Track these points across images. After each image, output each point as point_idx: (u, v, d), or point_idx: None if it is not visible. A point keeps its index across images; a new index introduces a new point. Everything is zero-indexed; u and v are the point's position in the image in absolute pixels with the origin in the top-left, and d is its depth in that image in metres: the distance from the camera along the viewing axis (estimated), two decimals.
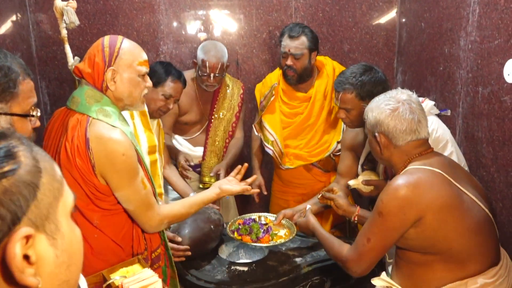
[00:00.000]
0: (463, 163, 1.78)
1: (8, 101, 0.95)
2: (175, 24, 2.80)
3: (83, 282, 0.99)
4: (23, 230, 0.45)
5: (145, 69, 1.45)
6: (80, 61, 1.66)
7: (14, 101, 0.96)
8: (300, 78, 2.35)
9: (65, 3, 1.70)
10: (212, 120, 2.52)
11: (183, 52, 2.84)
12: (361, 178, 1.86)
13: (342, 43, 2.89)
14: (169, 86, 2.03)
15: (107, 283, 1.23)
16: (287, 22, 2.77)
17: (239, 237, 1.85)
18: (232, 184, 1.70)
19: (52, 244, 0.50)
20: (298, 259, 1.88)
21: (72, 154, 1.32)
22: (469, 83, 2.07)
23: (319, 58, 2.43)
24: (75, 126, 1.34)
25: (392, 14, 2.86)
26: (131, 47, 1.44)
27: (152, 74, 1.99)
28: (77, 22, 1.71)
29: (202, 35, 2.84)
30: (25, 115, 0.99)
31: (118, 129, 1.35)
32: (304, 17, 2.82)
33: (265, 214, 2.10)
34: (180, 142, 2.56)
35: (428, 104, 1.83)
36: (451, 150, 1.77)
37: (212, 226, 1.89)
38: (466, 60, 2.10)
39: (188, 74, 2.41)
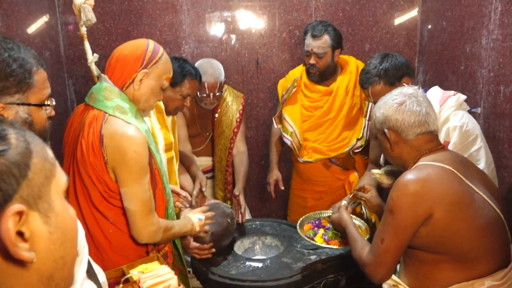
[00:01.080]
0: (490, 160, 1.73)
1: (25, 92, 0.98)
2: (197, 24, 2.85)
3: (101, 275, 1.04)
4: (15, 206, 0.48)
5: (167, 84, 1.52)
6: (98, 58, 1.73)
7: (30, 91, 0.99)
8: (322, 76, 2.38)
9: (83, 1, 1.75)
10: (215, 138, 2.50)
11: (205, 51, 2.89)
12: (384, 169, 1.80)
13: (363, 43, 2.88)
14: (187, 86, 2.02)
15: (125, 277, 1.28)
16: (307, 21, 2.78)
17: (325, 242, 1.81)
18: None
19: (45, 221, 0.52)
20: (312, 257, 1.89)
21: (87, 151, 1.36)
22: (491, 82, 2.03)
23: (343, 56, 2.44)
24: (92, 122, 1.37)
25: (413, 13, 2.83)
26: (167, 61, 1.50)
27: None
28: (94, 20, 1.76)
29: (225, 37, 2.88)
30: (41, 105, 1.02)
31: (132, 125, 1.37)
32: (324, 16, 2.82)
33: (320, 213, 2.04)
34: None
35: (460, 97, 1.80)
36: (480, 145, 1.73)
37: (229, 220, 1.92)
38: (487, 59, 2.07)
39: None
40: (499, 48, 1.97)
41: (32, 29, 2.37)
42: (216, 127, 2.48)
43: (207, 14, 2.85)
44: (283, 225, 2.20)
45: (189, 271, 1.94)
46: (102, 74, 1.47)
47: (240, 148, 2.50)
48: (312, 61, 2.31)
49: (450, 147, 1.70)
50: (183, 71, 2.01)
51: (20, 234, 0.48)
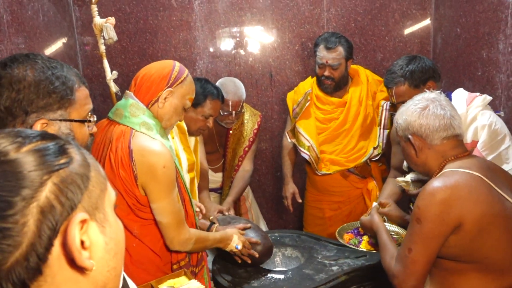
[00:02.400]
0: None
1: (67, 108, 1.00)
2: (210, 39, 2.90)
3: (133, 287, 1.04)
4: (80, 215, 0.50)
5: (189, 104, 1.56)
6: (117, 75, 1.81)
7: (72, 108, 1.01)
8: (337, 86, 2.38)
9: (104, 20, 1.81)
10: (227, 154, 2.50)
11: (218, 66, 2.93)
12: (410, 176, 1.75)
13: (375, 52, 2.88)
14: (209, 107, 2.01)
15: None
16: (320, 33, 2.80)
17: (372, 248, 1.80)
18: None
19: (102, 231, 0.54)
20: (334, 268, 1.86)
21: (116, 165, 1.39)
22: (510, 87, 2.01)
23: (352, 66, 2.44)
24: (119, 137, 1.40)
25: (426, 21, 2.83)
26: (191, 82, 1.56)
27: None
28: (115, 38, 1.81)
29: (239, 52, 2.92)
30: (83, 121, 1.05)
31: (158, 141, 1.41)
32: (336, 27, 2.84)
33: (356, 223, 2.00)
34: None
35: (486, 97, 1.78)
36: (509, 144, 1.70)
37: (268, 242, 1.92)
38: (506, 64, 2.05)
39: None
40: None
41: (52, 49, 2.45)
42: (230, 143, 2.49)
43: (220, 30, 2.90)
44: (303, 236, 2.18)
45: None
46: (128, 91, 1.51)
47: (245, 166, 2.48)
48: (327, 73, 2.32)
49: (478, 146, 1.68)
50: (205, 91, 2.02)
51: (81, 242, 0.51)
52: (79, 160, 0.54)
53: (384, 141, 2.40)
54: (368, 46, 2.88)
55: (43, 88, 0.97)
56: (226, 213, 2.16)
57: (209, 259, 2.30)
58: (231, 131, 2.47)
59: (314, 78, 2.48)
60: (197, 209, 1.86)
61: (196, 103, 1.96)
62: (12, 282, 0.47)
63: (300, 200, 2.43)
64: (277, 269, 1.92)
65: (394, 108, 2.39)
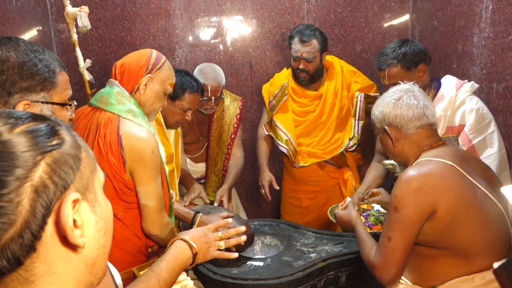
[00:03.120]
0: (501, 144, 1.75)
1: (49, 90, 1.02)
2: (190, 28, 2.87)
3: (117, 277, 1.04)
4: (73, 194, 0.52)
5: (170, 89, 1.60)
6: (91, 63, 1.85)
7: (54, 91, 1.03)
8: (312, 79, 2.39)
9: (77, 9, 1.79)
10: (211, 142, 2.49)
11: (198, 55, 2.91)
12: None
13: (355, 44, 2.92)
14: (187, 100, 2.00)
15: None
16: (299, 23, 2.81)
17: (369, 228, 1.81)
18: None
19: (92, 211, 0.56)
20: (312, 255, 1.89)
21: (105, 150, 1.43)
22: (483, 79, 2.07)
23: (327, 57, 2.46)
24: (107, 124, 1.45)
25: (404, 14, 2.88)
26: (170, 68, 1.62)
27: None
28: (89, 26, 1.80)
29: (218, 41, 2.90)
30: (65, 104, 1.07)
31: (145, 128, 1.47)
32: (316, 18, 2.86)
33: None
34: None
35: (474, 84, 1.83)
36: (494, 129, 1.76)
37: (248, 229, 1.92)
38: (479, 57, 2.11)
39: None
40: (490, 45, 2.01)
41: (26, 36, 2.37)
42: (213, 132, 2.47)
43: (200, 19, 2.87)
44: (282, 224, 2.20)
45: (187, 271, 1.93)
46: (112, 79, 1.56)
47: (236, 154, 2.49)
48: (302, 66, 2.33)
49: (466, 128, 1.73)
50: (183, 84, 2.00)
51: (73, 221, 0.52)
52: (70, 141, 0.55)
53: (359, 132, 2.43)
54: (348, 38, 2.91)
55: (26, 69, 0.98)
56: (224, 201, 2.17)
57: None
58: (213, 119, 2.45)
59: (290, 70, 2.49)
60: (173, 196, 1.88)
61: (174, 96, 1.95)
62: (7, 258, 0.48)
63: (277, 187, 2.41)
64: (256, 256, 1.94)
65: (368, 98, 2.43)
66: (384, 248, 1.33)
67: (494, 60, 1.99)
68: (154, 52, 1.59)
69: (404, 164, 1.48)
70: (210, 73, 2.28)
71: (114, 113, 1.47)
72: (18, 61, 0.97)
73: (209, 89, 2.26)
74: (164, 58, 1.60)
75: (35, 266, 0.51)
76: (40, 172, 0.49)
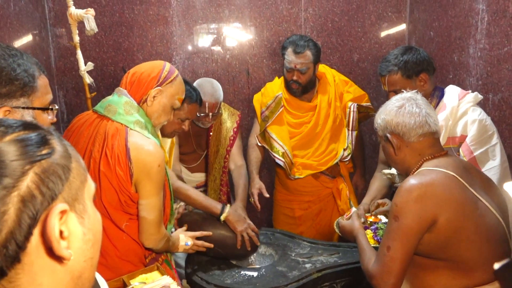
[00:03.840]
0: (504, 158, 1.72)
1: (30, 95, 1.00)
2: (187, 35, 2.87)
3: (104, 286, 1.02)
4: (60, 205, 0.51)
5: (178, 104, 1.59)
6: (93, 66, 1.82)
7: (35, 95, 1.01)
8: (305, 90, 2.37)
9: (82, 11, 1.77)
10: (209, 157, 2.44)
11: (195, 62, 2.91)
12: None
13: (352, 53, 2.92)
14: (185, 110, 1.97)
15: None
16: (297, 32, 2.82)
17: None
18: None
19: (80, 222, 0.55)
20: (307, 265, 1.88)
21: (113, 162, 1.41)
22: (479, 90, 2.08)
23: (319, 66, 2.43)
24: (115, 135, 1.43)
25: (400, 24, 2.89)
26: (181, 83, 1.59)
27: None
28: (96, 29, 1.78)
29: (216, 48, 2.90)
30: (46, 108, 1.05)
31: (153, 140, 1.46)
32: (314, 27, 2.87)
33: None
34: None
35: (478, 95, 1.80)
36: (496, 141, 1.72)
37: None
38: (475, 68, 2.12)
39: None
40: (486, 57, 2.02)
41: (23, 41, 2.37)
42: (211, 145, 2.44)
43: (197, 26, 2.88)
44: (277, 234, 2.20)
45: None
46: (120, 88, 1.53)
47: (237, 162, 2.43)
48: (295, 77, 2.30)
49: (468, 140, 1.70)
50: None
51: (60, 232, 0.51)
52: (60, 151, 0.54)
53: (353, 142, 2.42)
54: (345, 47, 2.92)
55: (5, 75, 0.96)
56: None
57: (182, 255, 2.29)
58: (211, 133, 2.43)
59: (282, 79, 2.46)
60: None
61: None
62: None
63: (267, 195, 2.31)
64: (250, 266, 1.93)
65: (360, 108, 2.41)
66: (383, 258, 1.30)
67: (490, 71, 2.00)
68: (168, 65, 1.56)
69: (406, 173, 1.46)
70: (208, 89, 2.24)
71: (121, 124, 1.45)
72: None
73: (206, 105, 2.22)
74: (176, 72, 1.58)
75: (19, 278, 0.49)
76: (28, 182, 0.49)
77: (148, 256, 1.58)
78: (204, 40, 2.91)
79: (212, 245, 1.84)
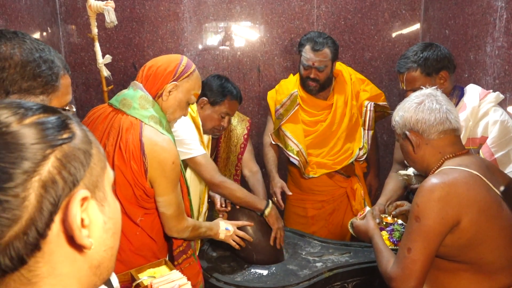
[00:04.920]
0: None
1: (49, 94, 0.97)
2: (198, 31, 2.86)
3: (115, 280, 1.01)
4: (82, 191, 0.49)
5: (194, 100, 1.56)
6: (111, 59, 1.79)
7: (54, 95, 0.98)
8: (322, 88, 2.33)
9: (102, 2, 1.76)
10: (218, 164, 2.39)
11: (206, 59, 2.89)
12: (412, 169, 1.69)
13: (364, 51, 2.89)
14: (227, 105, 2.00)
15: (136, 282, 1.25)
16: (309, 29, 2.79)
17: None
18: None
19: (101, 210, 0.53)
20: (318, 264, 1.85)
21: (127, 156, 1.40)
22: (496, 90, 2.03)
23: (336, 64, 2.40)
24: (129, 129, 1.41)
25: (415, 22, 2.85)
26: (197, 78, 1.56)
27: (208, 91, 1.98)
28: (116, 22, 1.77)
29: (227, 45, 2.88)
30: (63, 109, 1.02)
31: (167, 136, 1.44)
32: (326, 25, 2.83)
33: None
34: None
35: (499, 95, 1.74)
36: None
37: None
38: (492, 67, 2.07)
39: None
40: (504, 55, 1.98)
41: (34, 35, 2.36)
42: (220, 151, 2.40)
43: (208, 22, 2.86)
44: (287, 232, 2.17)
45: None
46: (136, 82, 1.51)
47: (252, 168, 2.38)
48: (312, 75, 2.26)
49: (488, 141, 1.65)
50: (224, 90, 2.00)
51: (80, 220, 0.49)
52: (81, 136, 0.52)
53: (369, 141, 2.39)
54: (357, 45, 2.88)
55: (29, 70, 0.93)
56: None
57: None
58: (220, 141, 2.38)
59: (297, 76, 2.42)
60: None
61: (214, 101, 1.98)
62: (10, 256, 0.46)
63: (290, 193, 2.30)
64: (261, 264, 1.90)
65: (377, 107, 2.38)
66: (404, 260, 1.24)
67: (508, 70, 1.96)
68: (185, 59, 1.53)
69: (425, 173, 1.40)
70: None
71: (136, 118, 1.43)
72: (22, 59, 0.93)
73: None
74: (193, 67, 1.54)
75: (39, 267, 0.48)
76: (49, 167, 0.47)
77: (176, 248, 1.59)
78: (215, 37, 2.89)
79: (251, 238, 1.85)
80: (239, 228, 1.84)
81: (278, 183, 2.30)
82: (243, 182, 2.39)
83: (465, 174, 1.24)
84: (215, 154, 2.42)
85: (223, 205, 2.06)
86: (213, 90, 1.99)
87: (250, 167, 2.38)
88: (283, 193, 2.31)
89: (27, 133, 0.47)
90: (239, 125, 2.41)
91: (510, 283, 1.23)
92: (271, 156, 2.45)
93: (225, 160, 2.40)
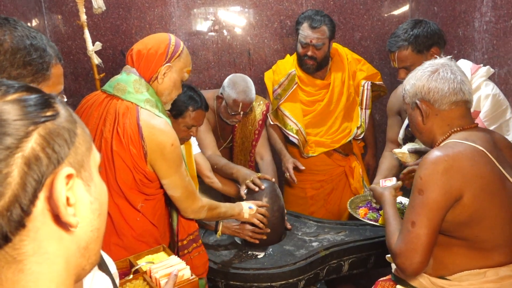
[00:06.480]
0: None
1: (40, 83, 0.96)
2: (186, 16, 2.82)
3: (112, 266, 1.01)
4: (66, 169, 0.49)
5: (187, 76, 1.55)
6: (101, 46, 1.77)
7: (45, 84, 0.97)
8: (319, 67, 2.34)
9: None
10: (234, 150, 2.40)
11: (195, 44, 2.86)
12: (406, 147, 1.68)
13: (354, 31, 2.88)
14: (191, 117, 1.87)
15: (135, 268, 1.26)
16: (298, 11, 2.77)
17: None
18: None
19: (87, 190, 0.53)
20: (314, 244, 1.88)
21: (126, 141, 1.39)
22: (485, 65, 2.04)
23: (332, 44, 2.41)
24: (126, 113, 1.40)
25: (403, 0, 2.84)
26: (187, 54, 1.55)
27: (172, 104, 1.80)
28: (104, 7, 1.75)
29: (216, 29, 2.85)
30: None
31: (163, 119, 1.43)
32: (315, 5, 2.81)
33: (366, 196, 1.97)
34: None
35: (490, 69, 1.74)
36: (510, 116, 1.67)
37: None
38: (481, 42, 2.08)
39: (208, 96, 2.16)
40: (492, 30, 1.98)
41: None
42: (236, 137, 2.40)
43: (196, 6, 2.82)
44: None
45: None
46: (128, 66, 1.49)
47: (264, 156, 2.38)
48: (310, 53, 2.27)
49: (481, 115, 1.65)
50: (186, 101, 1.87)
51: (66, 199, 0.49)
52: (65, 115, 0.52)
53: (366, 120, 2.41)
54: (347, 25, 2.87)
55: (19, 57, 0.92)
56: (273, 179, 2.04)
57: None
58: (236, 127, 2.38)
59: (294, 56, 2.43)
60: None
61: (177, 114, 1.86)
62: None
63: (303, 167, 2.31)
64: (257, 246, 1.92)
65: (373, 87, 2.40)
66: (408, 234, 1.20)
67: (496, 44, 1.97)
68: (173, 38, 1.51)
69: (430, 145, 1.38)
70: (243, 89, 2.16)
71: (132, 102, 1.42)
72: (12, 46, 0.91)
73: (240, 105, 2.16)
74: (182, 44, 1.53)
75: (24, 245, 0.47)
76: (32, 143, 0.46)
77: (187, 237, 1.60)
78: (203, 21, 2.85)
79: (266, 222, 1.83)
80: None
81: (290, 159, 2.35)
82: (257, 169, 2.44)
83: (471, 149, 1.21)
84: (230, 139, 2.42)
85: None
86: (175, 102, 1.76)
87: (261, 154, 2.39)
88: (282, 176, 2.37)
89: (9, 109, 0.46)
90: (256, 110, 2.39)
91: (504, 262, 1.22)
92: (276, 136, 2.47)
93: (240, 146, 2.41)
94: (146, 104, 1.42)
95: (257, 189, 1.93)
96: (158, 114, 1.43)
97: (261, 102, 2.42)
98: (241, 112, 2.19)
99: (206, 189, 2.37)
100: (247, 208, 1.77)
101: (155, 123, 1.40)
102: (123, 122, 1.39)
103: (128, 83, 1.44)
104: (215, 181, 2.10)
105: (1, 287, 0.47)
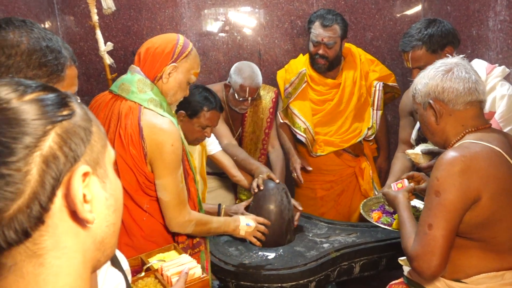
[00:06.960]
0: None
1: (54, 84, 0.97)
2: (197, 17, 2.83)
3: (125, 263, 1.02)
4: (83, 167, 0.50)
5: (194, 79, 1.53)
6: (113, 47, 1.78)
7: (60, 85, 0.98)
8: (330, 66, 2.34)
9: None
10: (244, 139, 2.42)
11: (206, 44, 2.87)
12: (419, 147, 1.64)
13: (365, 31, 2.85)
14: (205, 117, 1.90)
15: (147, 266, 1.27)
16: (309, 11, 2.76)
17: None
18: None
19: (102, 187, 0.54)
20: (325, 245, 1.87)
21: (127, 142, 1.39)
22: (499, 64, 2.01)
23: (345, 45, 2.40)
24: (128, 114, 1.40)
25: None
26: (196, 56, 1.53)
27: (186, 103, 1.84)
28: (114, 8, 1.75)
29: (226, 29, 2.85)
30: None
31: (167, 118, 1.41)
32: (326, 5, 2.79)
33: (378, 198, 1.92)
34: None
35: (505, 69, 1.71)
36: None
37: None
38: (495, 41, 2.05)
39: (216, 88, 2.21)
40: (507, 29, 1.95)
41: None
42: (246, 125, 2.42)
43: (207, 7, 2.83)
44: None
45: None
46: (133, 66, 1.49)
47: (275, 145, 2.45)
48: (321, 51, 2.27)
49: (496, 116, 1.62)
50: (201, 101, 1.91)
51: (83, 195, 0.51)
52: (81, 113, 0.53)
53: (378, 122, 2.39)
54: (358, 25, 2.85)
55: (35, 59, 0.94)
56: (277, 181, 2.00)
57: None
58: (246, 115, 2.40)
59: (307, 56, 2.43)
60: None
61: (192, 114, 1.89)
62: (14, 229, 0.47)
63: (310, 168, 2.36)
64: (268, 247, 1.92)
65: (386, 88, 2.38)
66: (425, 237, 1.17)
67: (511, 44, 1.93)
68: (182, 38, 1.49)
69: (443, 146, 1.35)
70: (248, 73, 2.21)
71: (135, 102, 1.41)
72: (29, 48, 0.93)
73: (247, 90, 2.20)
74: (191, 45, 1.51)
75: (44, 240, 0.49)
76: (50, 142, 0.48)
77: (180, 241, 1.56)
78: (214, 22, 2.86)
79: (264, 239, 1.79)
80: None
81: (297, 160, 2.38)
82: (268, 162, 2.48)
83: (487, 149, 1.19)
84: (240, 129, 2.43)
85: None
86: (190, 102, 1.87)
87: (272, 143, 2.44)
88: (291, 177, 2.38)
89: (28, 109, 0.48)
90: (264, 98, 2.41)
91: None
92: (285, 136, 2.49)
93: (250, 135, 2.43)
94: (150, 103, 1.41)
95: (256, 189, 1.93)
96: (161, 114, 1.41)
97: (270, 90, 2.45)
98: (249, 98, 2.22)
99: (222, 185, 2.38)
100: (244, 225, 1.70)
101: (157, 122, 1.39)
102: (124, 123, 1.39)
103: (132, 83, 1.43)
104: (242, 179, 2.10)
105: (22, 280, 0.49)
